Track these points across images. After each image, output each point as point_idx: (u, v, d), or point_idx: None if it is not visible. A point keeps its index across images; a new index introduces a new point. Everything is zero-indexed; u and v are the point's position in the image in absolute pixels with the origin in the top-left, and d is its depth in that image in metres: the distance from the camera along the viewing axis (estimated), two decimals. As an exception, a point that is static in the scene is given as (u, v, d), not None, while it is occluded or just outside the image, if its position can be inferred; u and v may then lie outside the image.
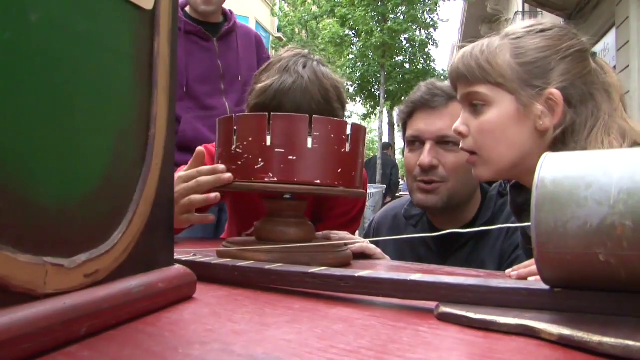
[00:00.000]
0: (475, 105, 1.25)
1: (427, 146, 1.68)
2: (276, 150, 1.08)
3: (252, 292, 0.81)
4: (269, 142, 1.08)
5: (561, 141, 1.16)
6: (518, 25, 1.29)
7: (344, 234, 1.46)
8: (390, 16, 19.36)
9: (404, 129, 1.81)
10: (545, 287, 0.63)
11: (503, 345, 0.55)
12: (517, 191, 1.37)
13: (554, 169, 0.60)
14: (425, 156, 1.66)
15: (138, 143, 0.68)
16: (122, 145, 0.64)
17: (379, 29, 19.03)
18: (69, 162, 0.55)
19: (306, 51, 1.64)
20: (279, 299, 0.76)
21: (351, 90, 20.38)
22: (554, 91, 1.17)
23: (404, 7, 19.43)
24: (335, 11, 19.69)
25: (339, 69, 20.10)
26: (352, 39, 20.45)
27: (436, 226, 1.81)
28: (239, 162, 1.11)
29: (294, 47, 1.67)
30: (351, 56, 20.71)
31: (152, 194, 0.69)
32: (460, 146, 1.31)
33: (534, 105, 1.18)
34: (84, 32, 0.57)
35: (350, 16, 19.20)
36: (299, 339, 0.56)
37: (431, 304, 0.70)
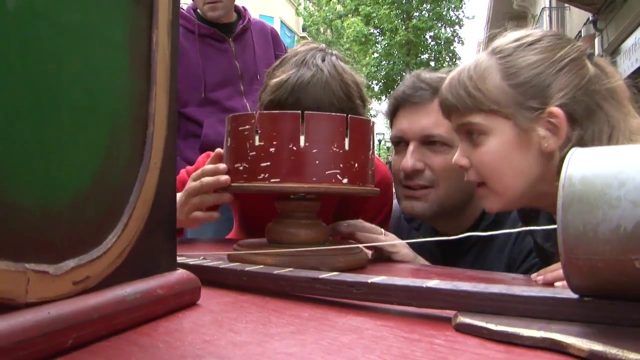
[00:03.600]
0: (472, 134, 1.17)
1: (411, 147, 1.52)
2: (268, 149, 1.04)
3: (261, 298, 0.77)
4: (257, 142, 1.05)
5: None
6: (506, 39, 1.19)
7: (356, 222, 1.36)
8: (415, 14, 19.51)
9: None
10: (573, 296, 0.58)
11: (526, 361, 0.50)
12: None
13: (583, 166, 0.55)
14: (408, 159, 1.51)
15: (134, 141, 0.64)
16: (116, 144, 0.60)
17: (403, 27, 19.15)
18: (55, 161, 0.52)
19: (323, 45, 1.56)
20: (287, 306, 0.72)
21: (376, 88, 20.49)
22: (555, 109, 1.08)
23: (429, 5, 19.57)
24: (360, 9, 19.83)
25: (364, 68, 20.24)
26: (377, 37, 20.59)
27: (438, 230, 1.65)
28: (234, 163, 1.09)
29: (310, 42, 1.61)
30: (376, 55, 20.85)
31: (151, 195, 0.65)
32: (465, 178, 1.22)
33: (534, 128, 1.10)
34: (71, 23, 0.53)
35: (374, 14, 19.34)
36: (301, 353, 0.52)
37: (449, 312, 0.65)
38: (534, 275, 1.04)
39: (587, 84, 1.09)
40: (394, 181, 1.60)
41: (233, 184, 1.10)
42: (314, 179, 1.04)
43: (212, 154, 1.29)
